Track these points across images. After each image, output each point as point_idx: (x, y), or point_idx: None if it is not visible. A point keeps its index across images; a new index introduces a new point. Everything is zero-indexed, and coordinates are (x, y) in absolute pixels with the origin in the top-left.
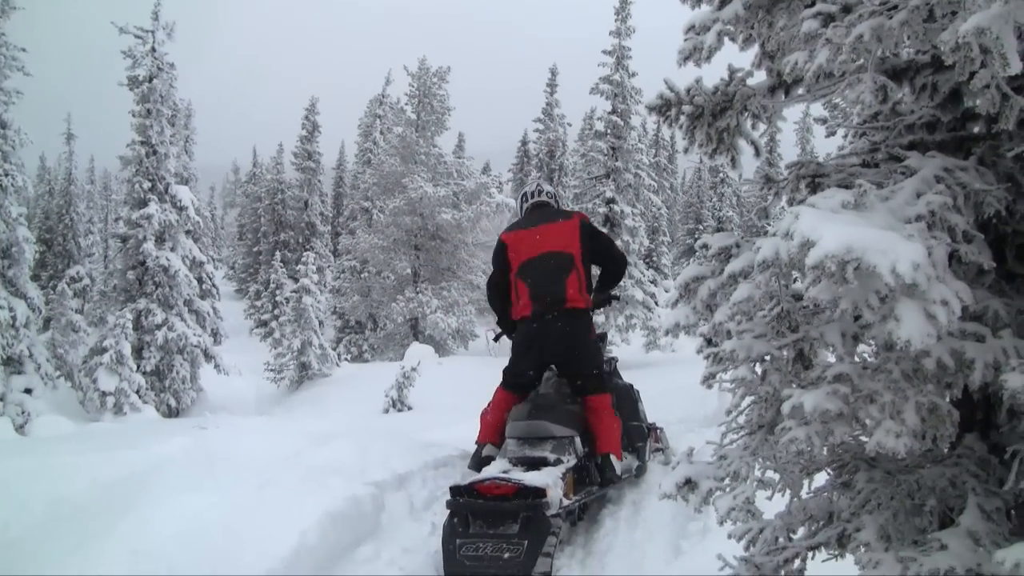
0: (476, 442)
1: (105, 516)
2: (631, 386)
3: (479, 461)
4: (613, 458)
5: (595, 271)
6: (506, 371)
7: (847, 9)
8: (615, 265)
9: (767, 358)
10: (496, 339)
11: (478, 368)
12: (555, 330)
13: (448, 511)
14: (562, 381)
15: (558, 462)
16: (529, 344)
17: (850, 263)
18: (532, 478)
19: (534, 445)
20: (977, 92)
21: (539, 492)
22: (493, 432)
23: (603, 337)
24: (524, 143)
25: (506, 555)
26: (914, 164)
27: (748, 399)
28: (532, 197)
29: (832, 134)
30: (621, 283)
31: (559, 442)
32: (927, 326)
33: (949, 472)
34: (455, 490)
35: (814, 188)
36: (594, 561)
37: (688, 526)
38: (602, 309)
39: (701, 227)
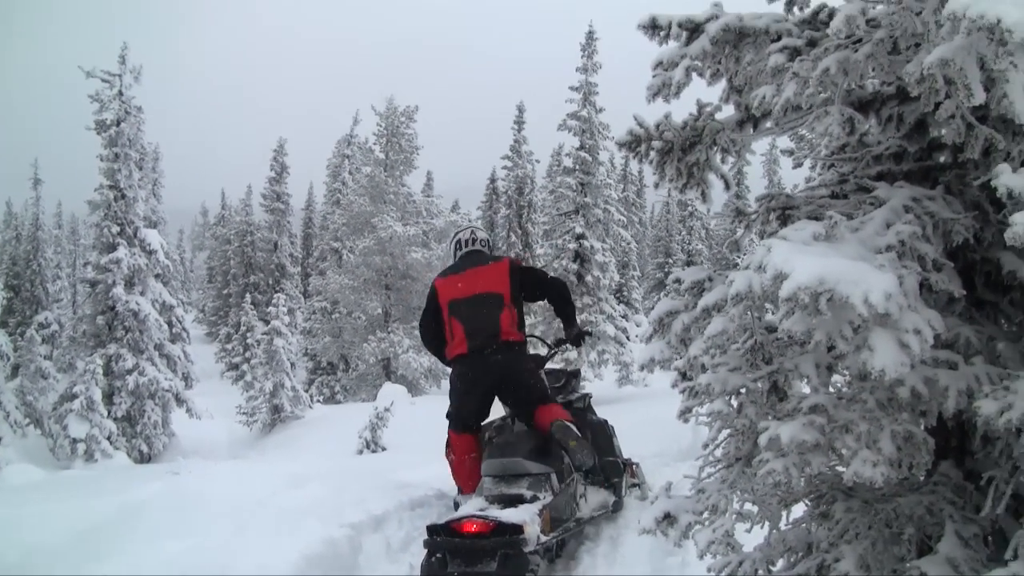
0: (461, 492)
1: (80, 564)
2: (605, 421)
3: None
4: (564, 422)
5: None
6: (452, 414)
7: (813, 43)
8: (555, 288)
9: (742, 391)
10: None
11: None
12: (494, 363)
13: (426, 550)
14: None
15: (535, 499)
16: (473, 380)
17: (823, 294)
18: (509, 515)
19: (510, 483)
20: (942, 122)
21: (516, 529)
22: (474, 482)
23: (575, 374)
24: (493, 180)
25: None
26: (883, 194)
27: (725, 432)
28: (466, 245)
29: (799, 165)
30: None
31: (535, 479)
32: (901, 355)
33: (926, 500)
34: (432, 529)
35: (784, 220)
36: None
37: (666, 561)
38: (574, 348)
39: (671, 261)
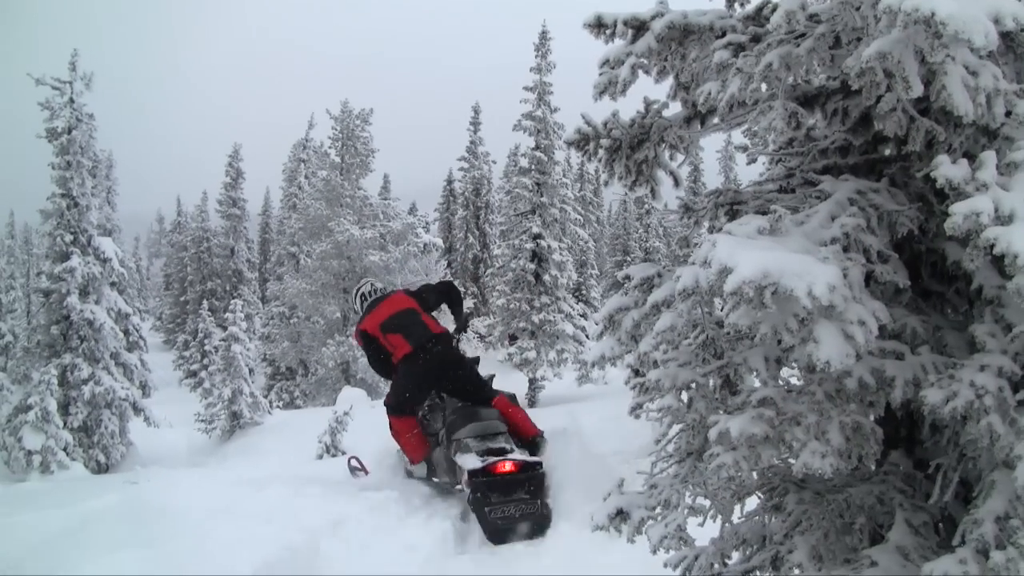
0: (413, 463)
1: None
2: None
3: (431, 471)
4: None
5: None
6: (396, 404)
7: (757, 39)
8: (447, 290)
9: (693, 386)
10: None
11: None
12: (437, 352)
13: (469, 490)
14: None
15: (512, 449)
16: (424, 371)
17: (767, 288)
18: (525, 456)
19: (493, 439)
20: (885, 115)
21: (538, 464)
22: (423, 452)
23: (476, 360)
24: (450, 182)
25: (528, 510)
26: (828, 188)
27: (676, 427)
28: (370, 296)
29: (753, 162)
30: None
31: (505, 436)
32: (846, 346)
33: (877, 489)
34: (473, 472)
35: (733, 215)
36: None
37: None
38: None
39: (629, 259)
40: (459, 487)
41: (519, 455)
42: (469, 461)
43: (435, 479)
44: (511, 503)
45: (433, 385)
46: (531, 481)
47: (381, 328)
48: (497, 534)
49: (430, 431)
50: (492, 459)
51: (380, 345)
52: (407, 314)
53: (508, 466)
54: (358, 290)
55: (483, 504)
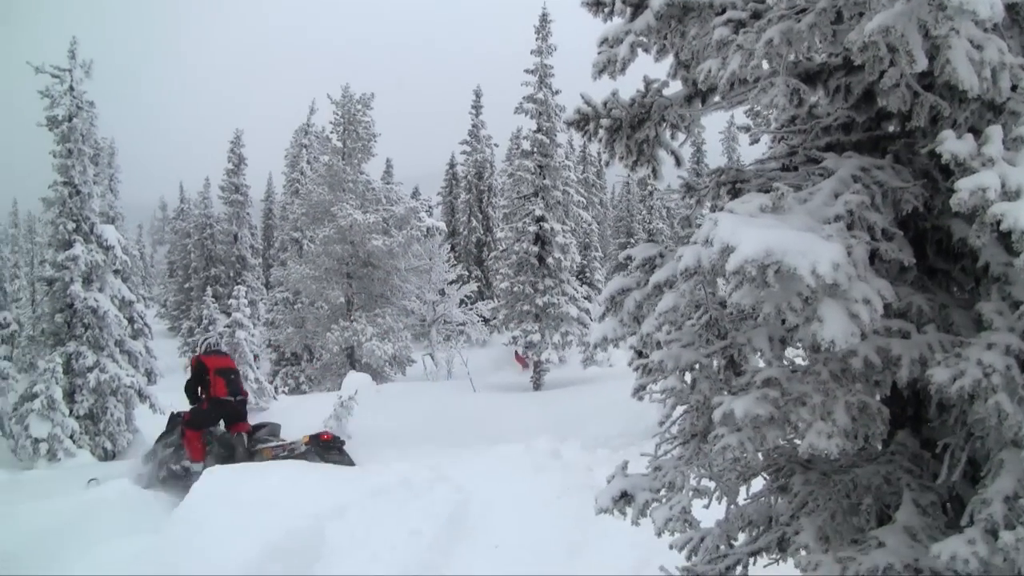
0: (195, 461)
1: (39, 564)
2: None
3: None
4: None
5: None
6: (200, 422)
7: (757, 15)
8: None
9: (696, 366)
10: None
11: (416, 393)
12: (237, 403)
13: (311, 447)
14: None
15: (293, 442)
16: (225, 409)
17: (770, 266)
18: (330, 434)
19: (275, 439)
20: (888, 91)
21: (341, 440)
22: (201, 454)
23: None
24: (452, 165)
25: (342, 458)
26: (831, 165)
27: (680, 409)
28: (213, 347)
29: (756, 141)
30: (555, 303)
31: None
32: (851, 325)
33: (883, 470)
34: (314, 437)
35: (735, 194)
36: None
37: None
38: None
39: (632, 241)
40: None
41: (335, 434)
42: (298, 441)
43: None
44: (332, 452)
45: (224, 416)
46: (337, 442)
47: (217, 371)
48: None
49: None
50: (319, 431)
51: (206, 378)
52: (235, 372)
53: (328, 436)
54: (206, 339)
55: (322, 452)
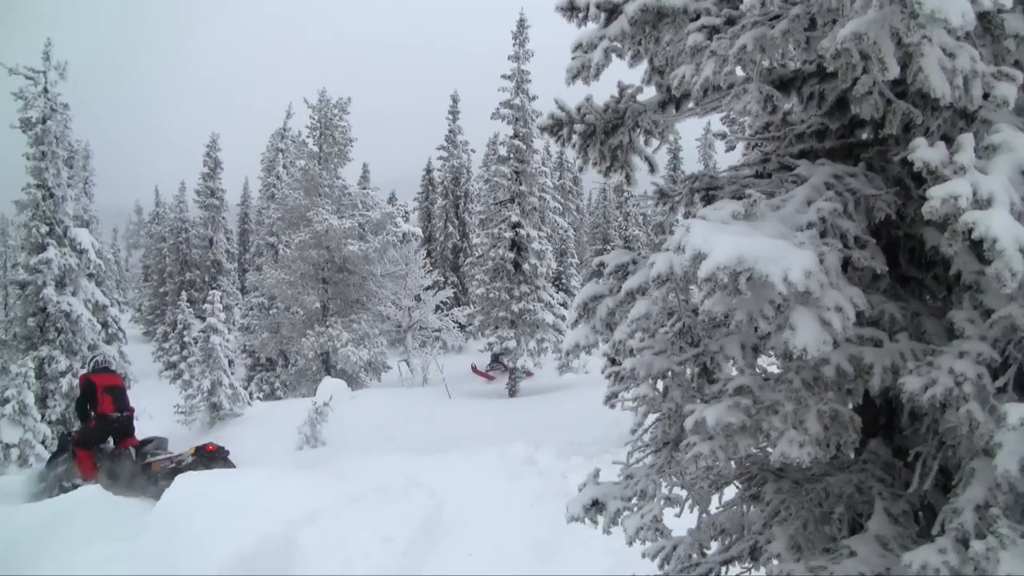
0: (87, 480)
1: (11, 569)
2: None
3: (109, 485)
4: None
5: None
6: (88, 441)
7: (731, 21)
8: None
9: (668, 374)
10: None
11: (392, 400)
12: (124, 418)
13: (196, 457)
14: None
15: (180, 454)
16: (112, 425)
17: (742, 273)
18: (219, 445)
19: (163, 453)
20: (861, 98)
21: (226, 450)
22: (92, 473)
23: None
24: (429, 171)
25: (226, 464)
26: (804, 172)
27: (652, 417)
28: (100, 364)
29: (731, 148)
30: (531, 309)
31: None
32: (823, 333)
33: (856, 478)
34: (199, 449)
35: (709, 200)
36: None
37: None
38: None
39: (609, 247)
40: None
41: (219, 446)
42: (184, 453)
43: (114, 490)
44: (216, 462)
45: (111, 434)
46: (222, 452)
47: (104, 389)
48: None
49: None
50: (203, 443)
51: (95, 396)
52: (121, 388)
53: (212, 447)
54: (93, 357)
55: (207, 462)
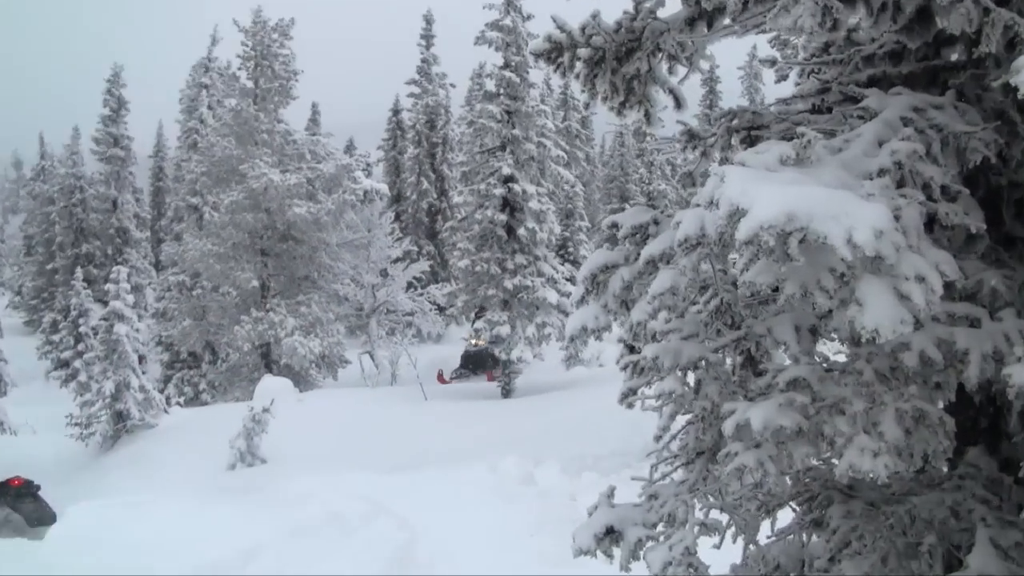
0: None
1: None
2: None
3: None
4: None
5: None
6: None
7: None
8: None
9: (702, 364)
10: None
11: (352, 403)
12: None
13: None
14: None
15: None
16: None
17: (793, 234)
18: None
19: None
20: (949, 7)
21: (36, 485)
22: None
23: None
24: (396, 111)
25: (39, 508)
26: (874, 104)
27: (681, 419)
28: None
29: (783, 78)
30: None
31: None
32: (900, 310)
33: (950, 498)
34: (1, 485)
35: (751, 142)
36: None
37: None
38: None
39: (628, 206)
40: None
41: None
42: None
43: None
44: (24, 500)
45: None
46: (30, 488)
47: None
48: (46, 519)
49: None
50: (11, 476)
51: None
52: None
53: (19, 481)
54: None
55: (13, 504)
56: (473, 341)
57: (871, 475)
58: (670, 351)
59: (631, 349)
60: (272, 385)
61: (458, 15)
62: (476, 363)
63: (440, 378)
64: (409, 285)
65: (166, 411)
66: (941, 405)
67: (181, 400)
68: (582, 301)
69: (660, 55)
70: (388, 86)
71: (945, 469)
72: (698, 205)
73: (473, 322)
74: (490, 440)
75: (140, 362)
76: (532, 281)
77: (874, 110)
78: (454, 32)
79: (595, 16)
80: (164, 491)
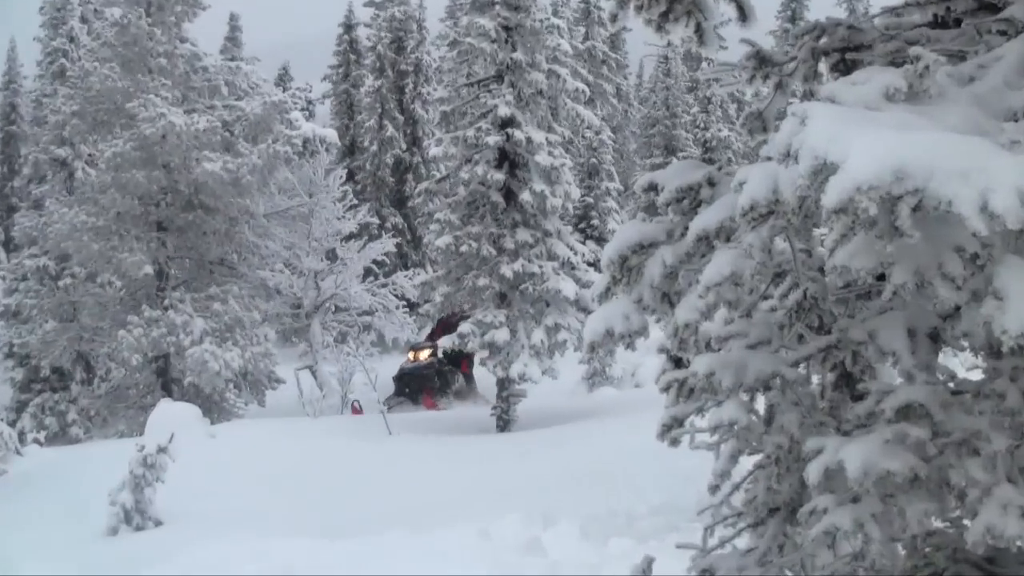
0: None
1: None
2: None
3: None
4: None
5: None
6: None
7: None
8: None
9: (776, 383)
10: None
11: (284, 438)
12: None
13: None
14: None
15: None
16: None
17: (904, 198)
18: None
19: None
20: None
21: None
22: None
23: None
24: (350, 27)
25: None
26: (1021, 15)
27: (747, 461)
28: None
29: None
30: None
31: None
32: None
33: None
34: None
35: (845, 70)
36: None
37: None
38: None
39: (675, 160)
40: None
41: None
42: None
43: None
44: None
45: None
46: None
47: None
48: None
49: None
50: None
51: None
52: None
53: None
54: None
55: None
56: (410, 355)
57: (1020, 543)
58: (731, 365)
59: (676, 362)
60: (172, 414)
61: None
62: (416, 384)
63: (355, 409)
64: (367, 272)
65: (18, 452)
66: None
67: (41, 437)
68: (607, 294)
69: None
70: None
71: None
72: (770, 158)
73: (434, 330)
74: (481, 492)
75: None
76: (540, 266)
77: (1022, 22)
78: None
79: None
80: (13, 570)
